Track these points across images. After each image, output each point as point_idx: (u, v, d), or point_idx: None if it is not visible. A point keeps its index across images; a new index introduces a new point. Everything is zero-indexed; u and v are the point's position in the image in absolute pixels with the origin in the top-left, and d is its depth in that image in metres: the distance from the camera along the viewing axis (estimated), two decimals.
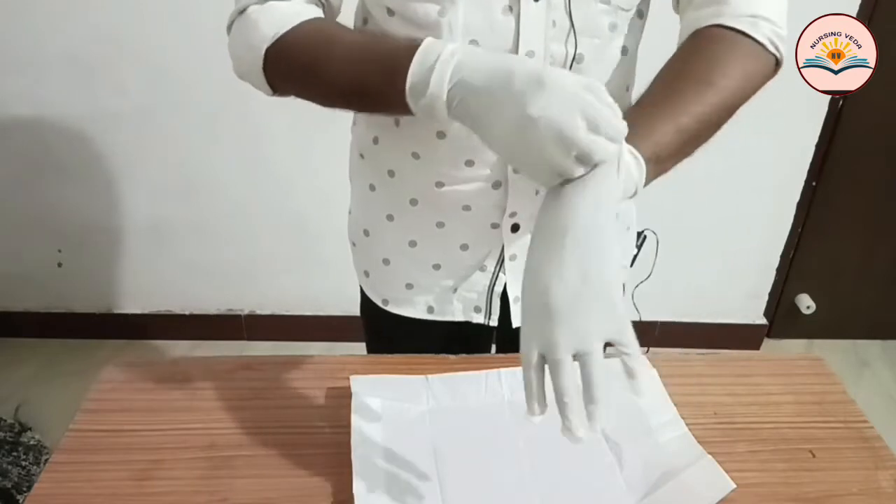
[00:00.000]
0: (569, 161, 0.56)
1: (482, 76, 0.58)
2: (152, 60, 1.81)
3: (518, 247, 0.88)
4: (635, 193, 0.63)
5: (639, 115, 0.66)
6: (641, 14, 0.79)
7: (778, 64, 0.75)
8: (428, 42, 0.61)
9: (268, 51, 0.72)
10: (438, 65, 0.59)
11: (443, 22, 0.72)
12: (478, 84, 0.58)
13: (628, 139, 0.59)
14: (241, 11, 0.74)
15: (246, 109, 1.81)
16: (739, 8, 0.72)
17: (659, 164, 0.65)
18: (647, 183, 0.64)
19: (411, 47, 0.61)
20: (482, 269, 0.90)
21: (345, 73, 0.68)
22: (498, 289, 0.91)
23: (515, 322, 0.91)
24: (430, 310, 0.94)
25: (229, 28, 0.76)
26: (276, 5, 0.73)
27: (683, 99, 0.67)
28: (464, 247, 0.88)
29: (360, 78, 0.67)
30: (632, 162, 0.61)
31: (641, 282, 1.19)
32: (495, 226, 0.86)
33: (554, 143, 0.55)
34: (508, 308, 0.91)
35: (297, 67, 0.72)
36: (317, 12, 0.76)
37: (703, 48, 0.72)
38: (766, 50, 0.73)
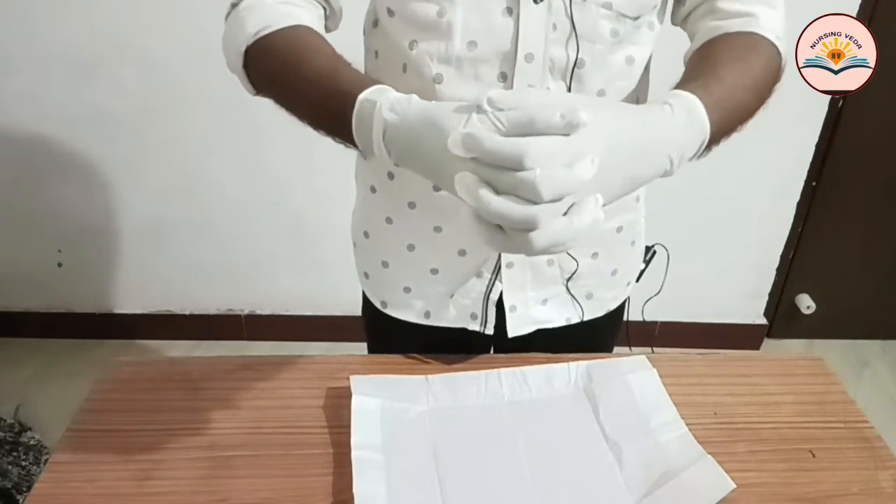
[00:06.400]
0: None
1: (409, 141, 0.58)
2: (152, 60, 1.81)
3: (515, 255, 0.87)
4: (701, 147, 0.62)
5: (688, 81, 0.65)
6: (652, 26, 0.78)
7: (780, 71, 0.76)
8: (363, 97, 0.61)
9: (248, 50, 0.71)
10: (374, 127, 0.60)
11: (441, 22, 0.72)
12: (407, 148, 0.59)
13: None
14: (234, 5, 0.74)
15: (246, 109, 1.80)
16: (765, 24, 0.73)
17: (720, 118, 0.63)
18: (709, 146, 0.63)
19: (352, 96, 0.61)
20: (479, 275, 0.89)
21: (306, 106, 0.69)
22: (493, 297, 0.89)
23: (511, 332, 0.90)
24: (427, 315, 0.93)
25: (225, 20, 0.76)
26: (266, 2, 0.72)
27: (723, 72, 0.67)
28: (461, 252, 0.87)
29: (318, 116, 0.67)
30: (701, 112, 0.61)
31: (650, 298, 1.17)
32: None
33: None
34: (504, 317, 0.90)
35: (268, 78, 0.72)
36: (314, 11, 0.76)
37: (727, 42, 0.73)
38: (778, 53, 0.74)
